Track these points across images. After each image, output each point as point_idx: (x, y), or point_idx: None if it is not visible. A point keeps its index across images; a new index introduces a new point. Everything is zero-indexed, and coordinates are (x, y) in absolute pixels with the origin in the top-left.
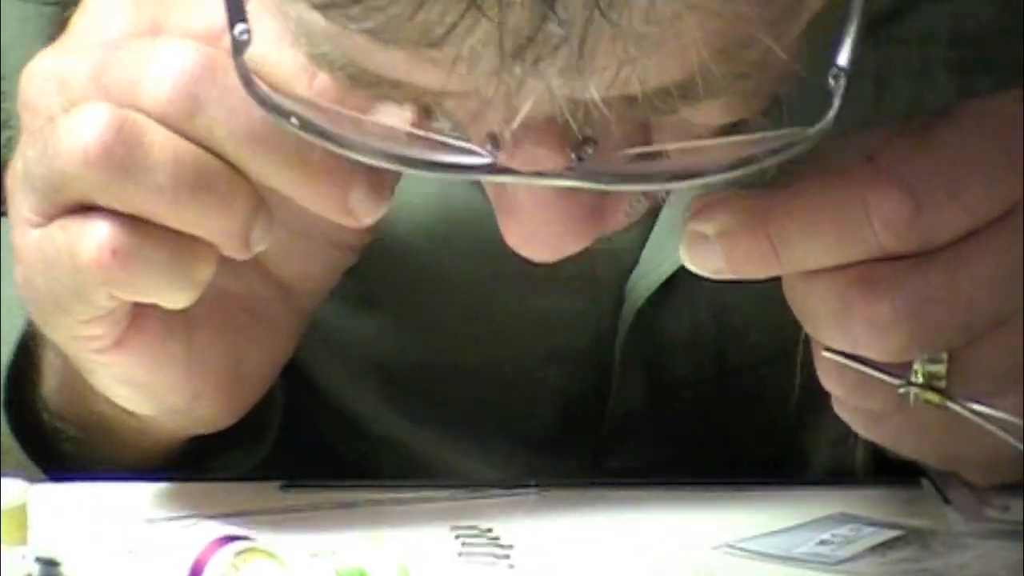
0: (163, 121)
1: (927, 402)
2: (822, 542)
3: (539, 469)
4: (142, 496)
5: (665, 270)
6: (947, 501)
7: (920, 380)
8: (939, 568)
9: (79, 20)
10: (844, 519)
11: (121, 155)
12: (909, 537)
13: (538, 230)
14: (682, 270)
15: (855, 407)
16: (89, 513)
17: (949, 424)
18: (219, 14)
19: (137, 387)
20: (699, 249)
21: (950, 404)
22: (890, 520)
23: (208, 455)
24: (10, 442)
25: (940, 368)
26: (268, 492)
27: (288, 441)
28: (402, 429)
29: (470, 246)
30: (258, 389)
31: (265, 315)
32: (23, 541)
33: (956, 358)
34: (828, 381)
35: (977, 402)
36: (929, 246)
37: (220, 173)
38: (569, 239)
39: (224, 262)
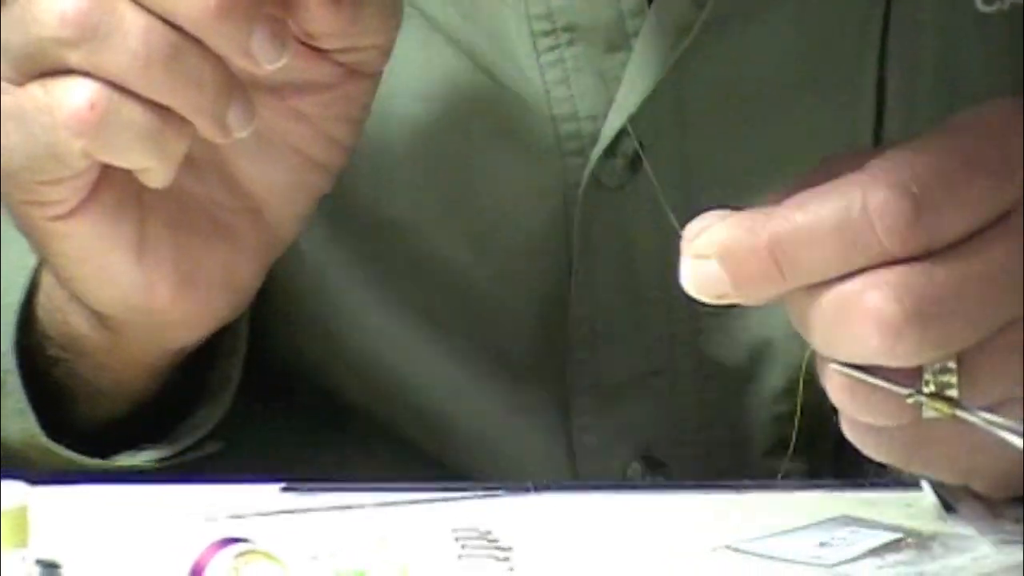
0: None
1: (937, 411)
2: (822, 544)
3: (506, 387)
4: (142, 498)
5: (619, 126)
6: (951, 509)
7: (931, 389)
8: (935, 571)
9: None
10: (844, 521)
11: (96, 20)
12: (908, 540)
13: None
14: (646, 150)
15: (865, 426)
16: (90, 515)
17: (960, 437)
18: None
19: (88, 265)
20: (702, 273)
21: (959, 412)
22: (890, 523)
23: (176, 415)
24: (14, 382)
25: (950, 378)
26: (268, 494)
27: (287, 440)
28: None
29: (435, 109)
30: (218, 307)
31: (227, 225)
32: (23, 544)
33: (965, 363)
34: (837, 397)
35: (987, 409)
36: (933, 248)
37: (189, 48)
38: None
39: (188, 161)
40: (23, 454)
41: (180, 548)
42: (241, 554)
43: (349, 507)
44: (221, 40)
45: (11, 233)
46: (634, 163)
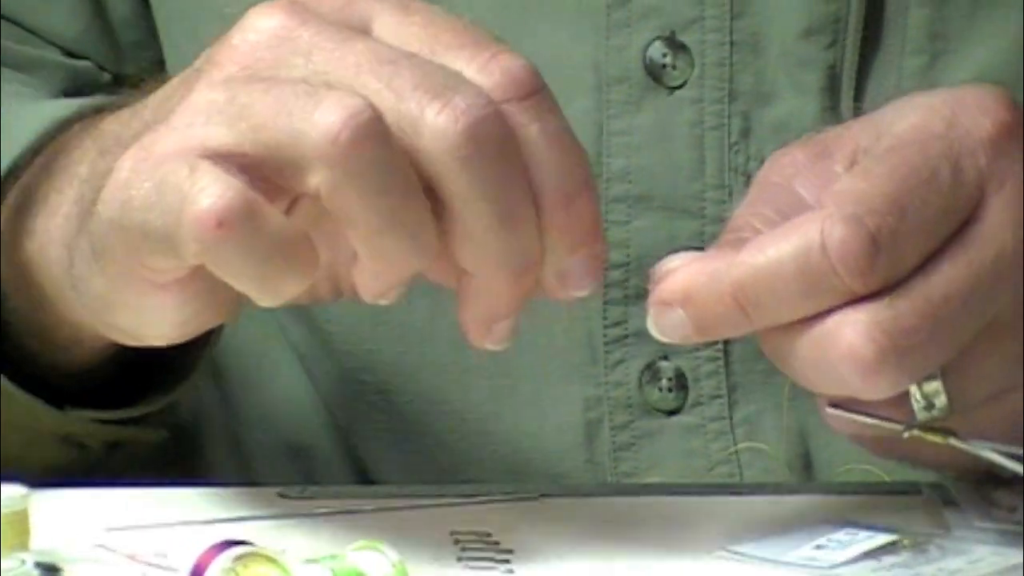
0: (436, 156)
1: (933, 442)
2: (818, 547)
3: None
4: (142, 502)
5: None
6: (950, 503)
7: (920, 403)
8: (932, 573)
9: None
10: (840, 523)
11: (369, 148)
12: (904, 542)
13: None
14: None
15: (865, 437)
16: (90, 518)
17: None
18: None
19: (144, 317)
20: (666, 320)
21: (954, 442)
22: (886, 525)
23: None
24: None
25: (936, 386)
26: (267, 498)
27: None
28: None
29: None
30: (198, 325)
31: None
32: (23, 547)
33: (950, 376)
34: (836, 428)
35: (980, 438)
36: (895, 277)
37: (421, 213)
38: None
39: None
40: None
41: (180, 551)
42: (240, 557)
43: (347, 511)
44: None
45: None
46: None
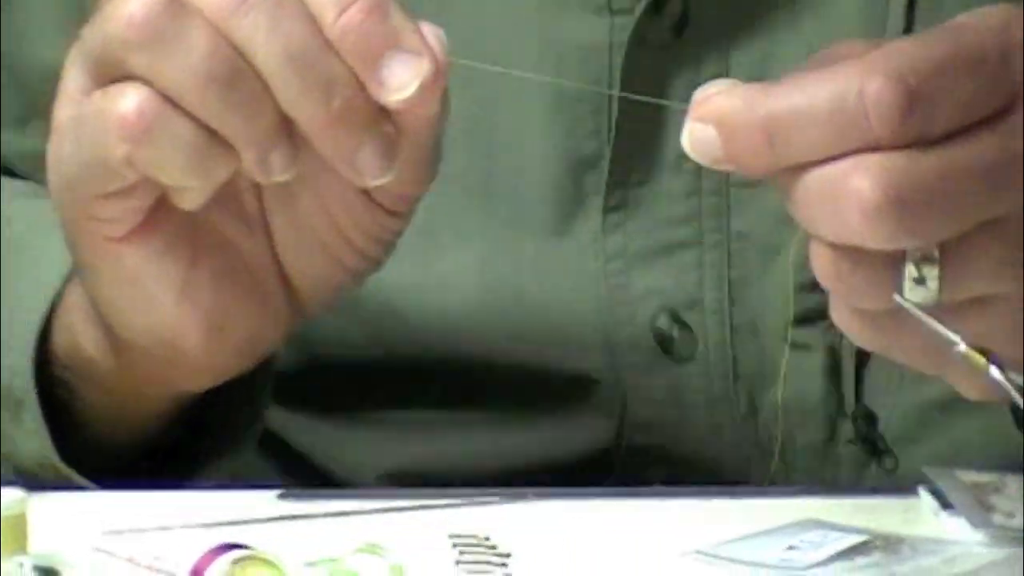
0: (210, 14)
1: (972, 366)
2: (791, 548)
3: (541, 251)
4: (140, 505)
5: None
6: (947, 507)
7: (913, 275)
8: (906, 572)
9: None
10: (811, 525)
11: (162, 28)
12: (876, 542)
13: None
14: (692, 15)
15: (850, 312)
16: (88, 522)
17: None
18: None
19: (131, 291)
20: (699, 137)
21: (992, 372)
22: (856, 526)
23: (190, 457)
24: (31, 401)
25: (932, 269)
26: (266, 501)
27: (285, 449)
28: None
29: None
30: (236, 361)
31: (264, 289)
32: (22, 550)
33: (947, 256)
34: (822, 275)
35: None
36: (923, 139)
37: (251, 79)
38: None
39: (241, 216)
40: (39, 475)
41: (178, 554)
42: (238, 560)
43: (346, 513)
44: (332, 146)
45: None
46: (679, 25)
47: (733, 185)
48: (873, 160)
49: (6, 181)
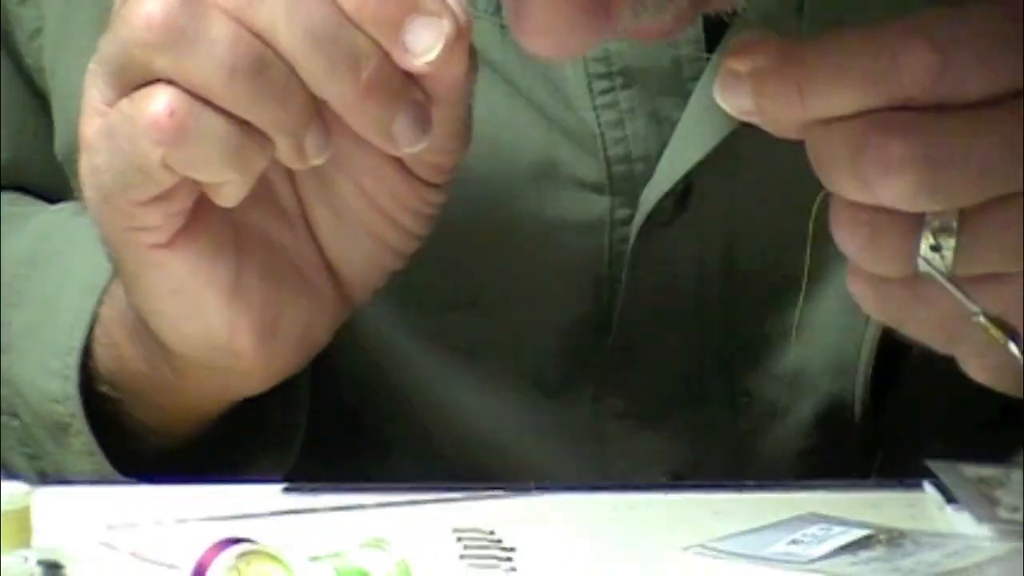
0: (228, 5)
1: (991, 337)
2: (793, 541)
3: (542, 413)
4: (144, 499)
5: (678, 175)
6: (952, 501)
7: (929, 242)
8: (910, 566)
9: None
10: (813, 519)
11: (182, 25)
12: (879, 536)
13: (545, 22)
14: (695, 185)
15: (866, 280)
16: (92, 516)
17: (956, 306)
18: None
19: (180, 299)
20: (732, 86)
21: (1012, 346)
22: (858, 519)
23: (237, 462)
24: (79, 424)
25: (949, 238)
26: (270, 494)
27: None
28: (411, 365)
29: (486, 147)
30: (290, 360)
31: (311, 284)
32: (25, 544)
33: (965, 226)
34: (841, 238)
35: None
36: (952, 102)
37: (277, 66)
38: (576, 32)
39: (280, 213)
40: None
41: (182, 548)
42: (243, 554)
43: (351, 507)
44: (366, 119)
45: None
46: (682, 198)
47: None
48: (900, 116)
49: (6, 197)
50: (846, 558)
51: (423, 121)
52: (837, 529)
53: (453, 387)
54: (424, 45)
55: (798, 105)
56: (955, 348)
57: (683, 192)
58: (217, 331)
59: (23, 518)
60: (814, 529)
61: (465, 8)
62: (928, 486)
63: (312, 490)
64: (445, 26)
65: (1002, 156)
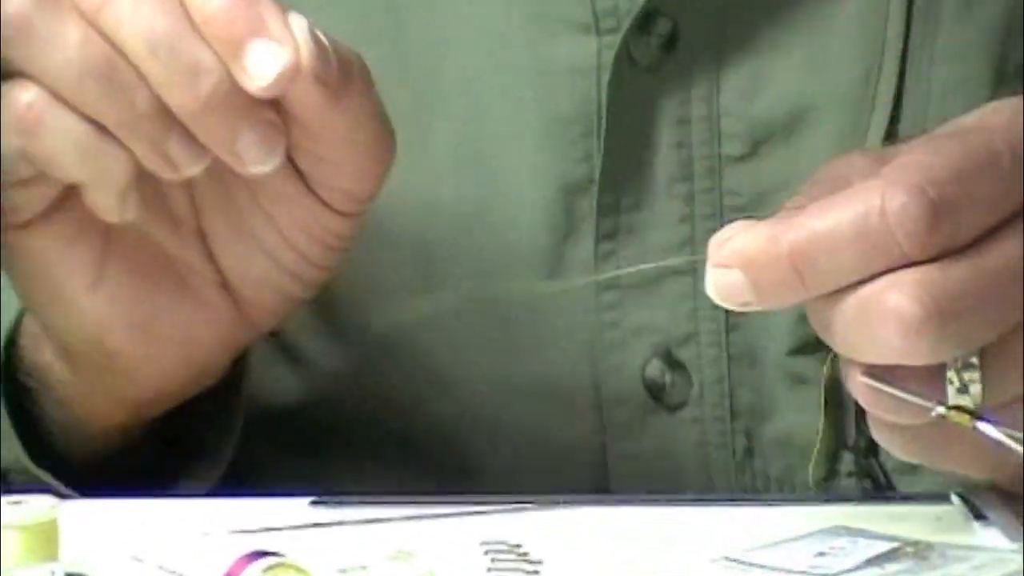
0: (82, 7)
1: (959, 423)
2: (820, 554)
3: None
4: (171, 512)
5: None
6: (980, 517)
7: (956, 385)
8: None
9: None
10: (841, 531)
11: (36, 23)
12: (906, 548)
13: None
14: (682, 32)
15: (892, 426)
16: (119, 529)
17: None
18: None
19: (41, 284)
20: (725, 283)
21: (980, 425)
22: (884, 532)
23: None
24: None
25: (974, 374)
26: (298, 508)
27: (319, 457)
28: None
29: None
30: (172, 366)
31: (197, 292)
32: (52, 557)
33: (988, 360)
34: (864, 401)
35: (998, 423)
36: (951, 248)
37: (125, 70)
38: None
39: (168, 218)
40: (14, 477)
41: (209, 562)
42: (270, 568)
43: (378, 520)
44: (207, 134)
45: None
46: (668, 44)
47: (728, 209)
48: (907, 276)
49: None
50: (873, 571)
51: (271, 142)
52: (864, 542)
53: (444, 253)
54: (262, 70)
55: (799, 287)
56: (996, 473)
57: (669, 38)
58: (86, 323)
59: (50, 531)
60: (841, 542)
61: (310, 39)
62: (955, 499)
63: (339, 503)
64: (283, 55)
65: (1011, 286)
